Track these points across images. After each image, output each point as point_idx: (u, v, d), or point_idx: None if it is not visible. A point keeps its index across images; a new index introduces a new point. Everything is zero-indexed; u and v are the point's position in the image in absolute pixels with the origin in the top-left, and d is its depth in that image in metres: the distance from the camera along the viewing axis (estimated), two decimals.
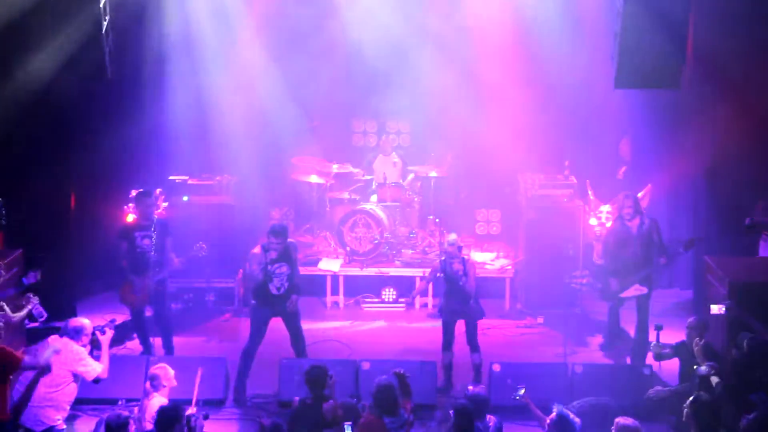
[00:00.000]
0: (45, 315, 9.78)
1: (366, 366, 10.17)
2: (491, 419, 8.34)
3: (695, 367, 8.92)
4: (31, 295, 9.75)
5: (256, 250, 10.32)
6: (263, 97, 14.23)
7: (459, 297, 10.55)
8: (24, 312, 9.72)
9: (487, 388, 9.76)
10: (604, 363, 10.87)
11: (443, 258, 10.71)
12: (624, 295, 10.76)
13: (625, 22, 9.91)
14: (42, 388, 8.59)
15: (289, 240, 10.38)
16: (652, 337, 9.95)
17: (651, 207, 12.97)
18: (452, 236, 10.82)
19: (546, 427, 8.16)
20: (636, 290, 10.72)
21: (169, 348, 11.20)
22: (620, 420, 7.67)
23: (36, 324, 11.16)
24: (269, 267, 10.19)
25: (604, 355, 11.08)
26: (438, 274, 10.79)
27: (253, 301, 10.50)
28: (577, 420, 7.99)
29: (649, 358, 10.21)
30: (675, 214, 13.82)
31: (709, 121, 12.63)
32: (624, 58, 10.06)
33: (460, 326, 10.67)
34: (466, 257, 10.78)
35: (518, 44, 13.89)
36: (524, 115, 14.05)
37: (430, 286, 13.26)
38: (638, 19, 9.91)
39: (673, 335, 10.40)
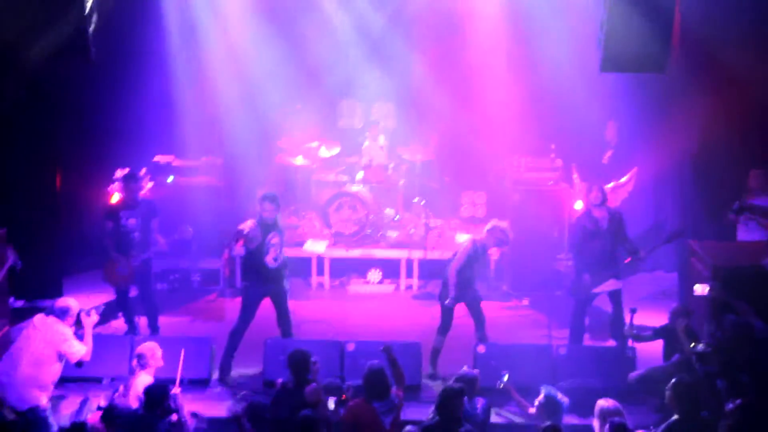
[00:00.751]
0: (20, 264, 9.72)
1: (351, 347, 10.15)
2: (479, 401, 8.39)
3: (692, 345, 8.95)
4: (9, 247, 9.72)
5: (249, 222, 10.18)
6: (249, 79, 14.22)
7: (471, 282, 10.44)
8: (5, 268, 9.68)
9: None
10: (588, 345, 10.85)
11: (476, 240, 10.47)
12: (598, 290, 10.55)
13: (612, 5, 9.85)
14: (26, 368, 8.56)
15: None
16: (627, 319, 9.90)
17: (636, 191, 13.04)
18: (503, 224, 10.52)
19: (532, 410, 8.22)
20: (612, 285, 10.52)
21: (154, 328, 11.18)
22: (601, 402, 7.74)
23: (21, 303, 11.18)
24: (264, 239, 10.12)
25: (590, 336, 11.05)
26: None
27: (245, 282, 10.42)
28: (565, 399, 8.05)
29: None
30: (660, 199, 13.86)
31: (695, 106, 12.53)
32: (610, 42, 9.92)
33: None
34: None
35: (505, 27, 13.92)
36: (510, 99, 14.03)
37: (416, 267, 13.39)
38: (625, 3, 9.84)
39: (656, 318, 10.45)
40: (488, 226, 10.47)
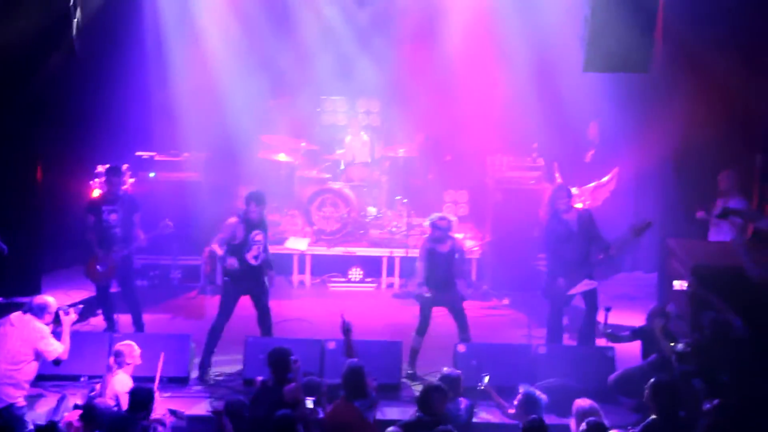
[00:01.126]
0: (5, 248, 9.80)
1: (331, 345, 10.10)
2: (462, 401, 8.38)
3: (672, 344, 8.99)
4: None
5: (233, 219, 10.19)
6: (232, 74, 14.16)
7: (442, 282, 10.34)
8: None
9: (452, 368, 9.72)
10: (568, 345, 10.86)
11: (428, 236, 10.43)
12: (573, 291, 10.43)
13: (596, 5, 9.90)
14: (2, 365, 8.50)
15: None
16: (602, 319, 9.86)
17: (617, 191, 13.04)
18: (435, 215, 10.48)
19: (511, 412, 8.23)
20: (586, 285, 10.38)
21: (139, 325, 11.10)
22: (579, 402, 7.76)
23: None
24: (247, 236, 10.12)
25: (569, 336, 11.05)
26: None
27: (225, 278, 10.37)
28: (543, 396, 8.07)
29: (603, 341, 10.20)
30: (641, 198, 13.85)
31: (677, 107, 12.46)
32: (593, 42, 10.03)
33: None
34: (455, 237, 10.57)
35: (489, 26, 13.88)
36: (494, 97, 14.08)
37: (397, 266, 13.39)
38: (608, 3, 9.90)
39: (634, 318, 10.53)
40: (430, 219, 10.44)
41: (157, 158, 13.56)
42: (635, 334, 9.84)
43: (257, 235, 10.18)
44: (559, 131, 13.79)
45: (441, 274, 10.33)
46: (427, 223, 10.51)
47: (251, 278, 10.24)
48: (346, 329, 8.51)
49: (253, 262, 10.19)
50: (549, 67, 13.36)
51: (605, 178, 13.00)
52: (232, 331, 10.35)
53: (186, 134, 13.81)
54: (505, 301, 12.81)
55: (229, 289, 10.28)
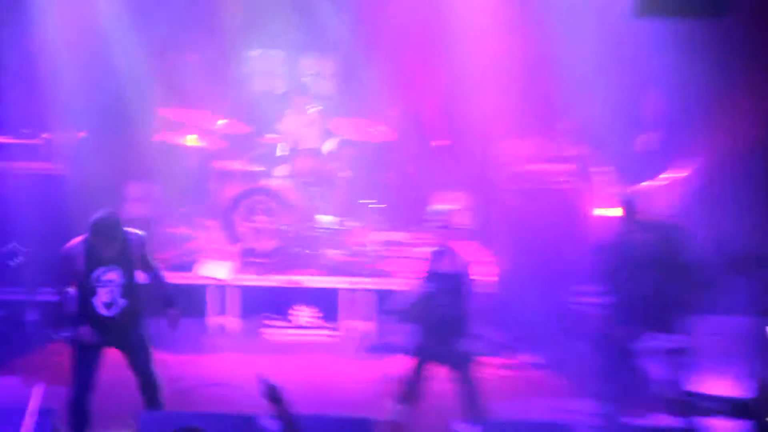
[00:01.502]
0: None
1: (267, 423, 9.35)
2: None
3: None
4: None
5: (74, 242, 9.75)
6: (118, 19, 14.20)
7: (441, 325, 9.99)
8: None
9: None
10: (631, 422, 10.23)
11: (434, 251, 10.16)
12: (643, 346, 10.04)
13: None
14: None
15: (129, 234, 9.80)
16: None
17: (689, 198, 12.62)
18: (435, 206, 10.32)
19: None
20: (665, 341, 10.03)
21: None
22: None
23: None
24: (90, 273, 9.66)
25: (633, 409, 10.53)
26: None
27: (75, 326, 9.87)
28: None
29: None
30: (724, 211, 13.45)
31: None
32: None
33: None
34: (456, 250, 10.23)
35: None
36: (506, 56, 14.03)
37: (364, 302, 13.57)
38: None
39: (732, 384, 10.33)
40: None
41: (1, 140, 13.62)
42: (737, 408, 9.68)
43: (107, 273, 9.70)
44: (601, 105, 13.51)
45: (440, 311, 9.91)
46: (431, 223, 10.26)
47: (112, 329, 9.78)
48: (274, 397, 8.01)
49: (103, 311, 9.76)
50: (587, 13, 13.24)
51: (673, 175, 12.57)
52: (124, 401, 9.91)
53: (48, 106, 13.78)
54: (528, 357, 12.61)
55: (80, 344, 9.81)
